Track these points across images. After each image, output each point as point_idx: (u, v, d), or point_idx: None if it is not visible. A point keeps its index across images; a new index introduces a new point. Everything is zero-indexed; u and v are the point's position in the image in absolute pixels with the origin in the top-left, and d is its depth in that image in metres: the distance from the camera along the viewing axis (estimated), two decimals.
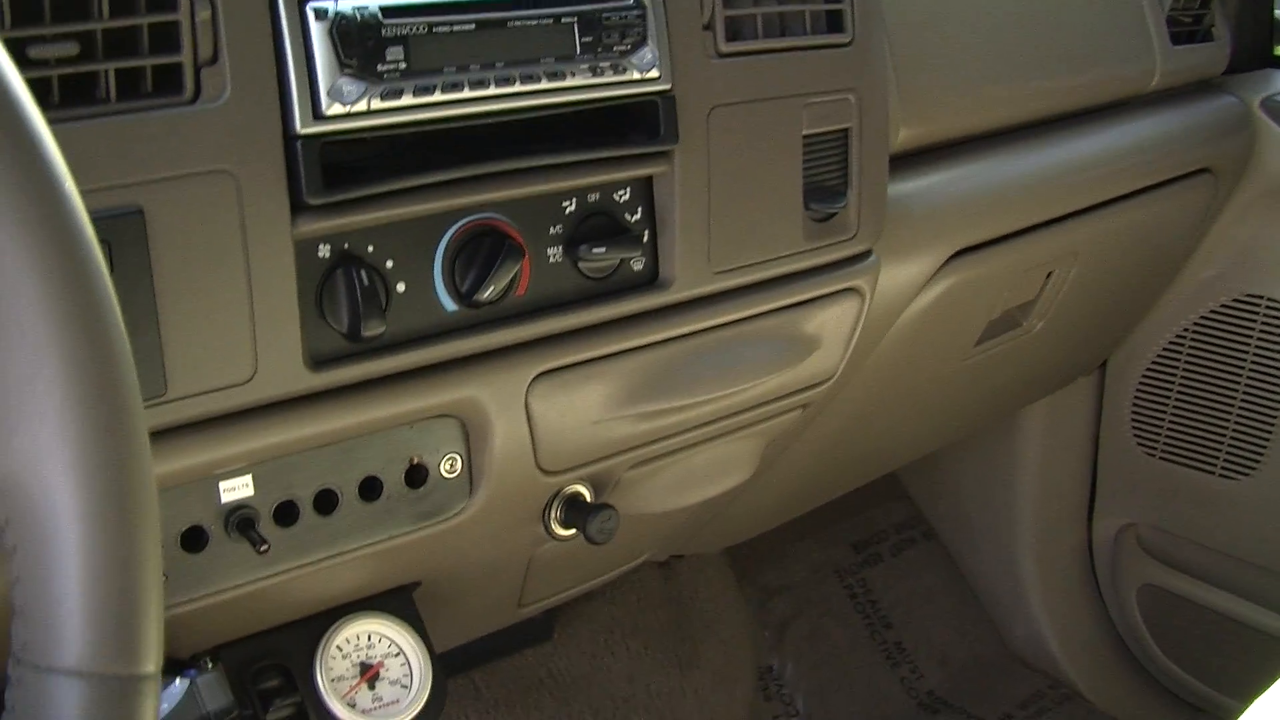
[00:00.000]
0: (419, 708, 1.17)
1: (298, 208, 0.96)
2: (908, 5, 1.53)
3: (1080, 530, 2.50)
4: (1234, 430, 2.21)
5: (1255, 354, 2.16)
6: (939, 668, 2.44)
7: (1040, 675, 2.48)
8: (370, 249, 1.02)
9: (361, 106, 0.95)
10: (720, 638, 2.13)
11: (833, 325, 1.36)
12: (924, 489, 2.59)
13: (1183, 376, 2.25)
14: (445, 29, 0.99)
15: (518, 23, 1.03)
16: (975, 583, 2.55)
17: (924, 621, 2.49)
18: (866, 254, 1.38)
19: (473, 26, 1.01)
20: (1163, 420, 2.30)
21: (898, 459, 2.17)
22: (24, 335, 0.51)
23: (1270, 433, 2.16)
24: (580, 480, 1.24)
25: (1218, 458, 2.24)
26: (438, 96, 0.99)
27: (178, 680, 1.02)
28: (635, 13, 1.09)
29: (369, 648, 1.18)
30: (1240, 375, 2.19)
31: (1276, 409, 2.15)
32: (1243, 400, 2.19)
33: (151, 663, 0.55)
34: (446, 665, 1.25)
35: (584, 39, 1.07)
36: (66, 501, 0.52)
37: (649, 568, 2.08)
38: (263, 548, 1.01)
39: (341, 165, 0.98)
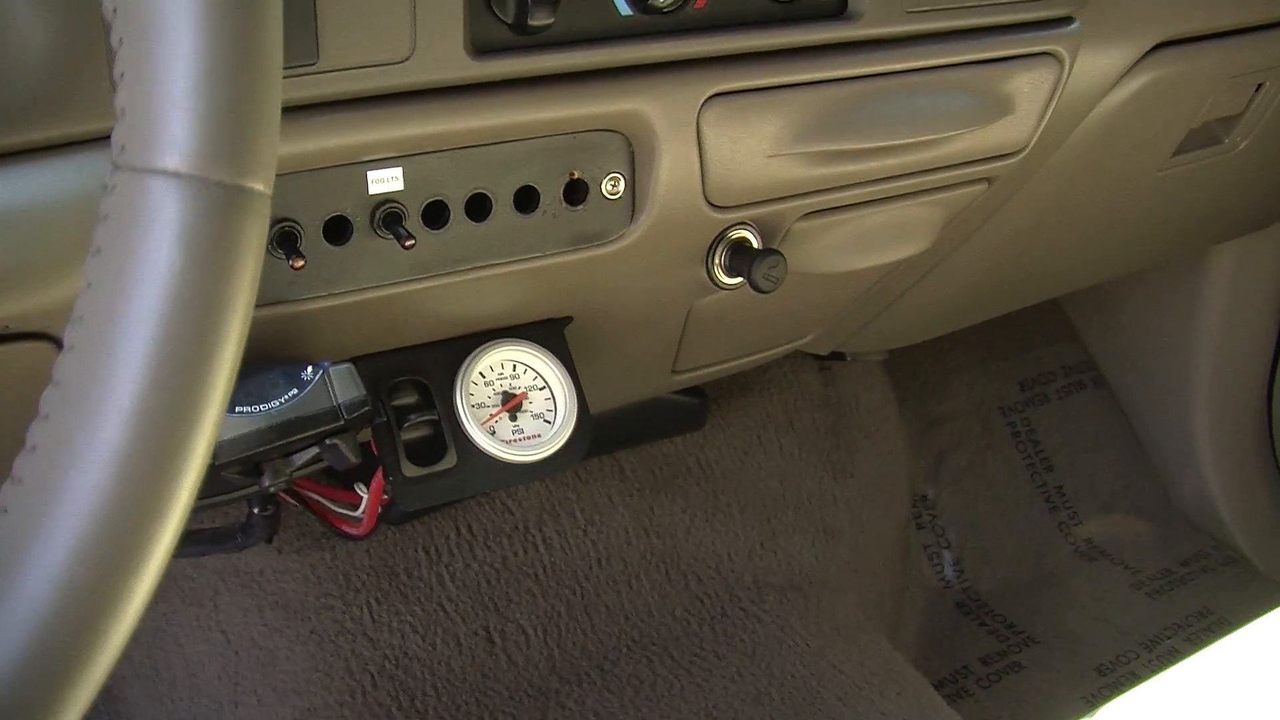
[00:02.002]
0: (559, 445, 1.12)
1: None
2: None
3: (1260, 390, 2.40)
4: None
5: None
6: (1099, 516, 2.37)
7: (1204, 535, 2.39)
8: None
9: None
10: (878, 451, 2.06)
11: (1028, 90, 1.27)
12: (1098, 332, 2.50)
13: None
14: None
15: None
16: (1144, 434, 2.47)
17: (1087, 468, 2.41)
18: (1069, 20, 1.29)
19: None
20: None
21: (1077, 278, 2.08)
22: None
23: None
24: (748, 224, 1.17)
25: None
26: None
27: (309, 368, 0.98)
28: None
29: (513, 377, 1.13)
30: None
31: None
32: None
33: (262, 180, 0.50)
34: (594, 442, 1.20)
35: None
36: None
37: (808, 366, 2.02)
38: (409, 242, 0.96)
39: None
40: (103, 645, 0.49)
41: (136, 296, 0.47)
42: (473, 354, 1.11)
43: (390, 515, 1.56)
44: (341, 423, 0.97)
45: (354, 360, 1.07)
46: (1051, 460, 2.38)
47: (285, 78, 0.87)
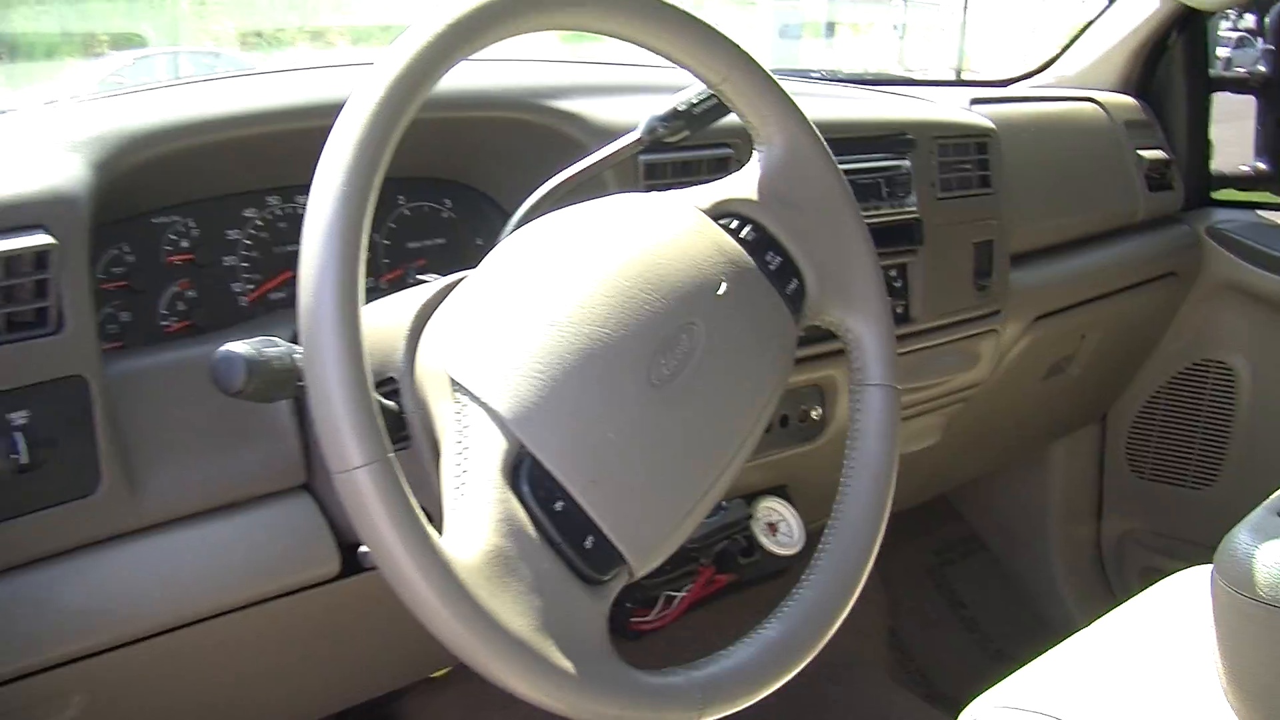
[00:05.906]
0: (797, 549, 2.12)
1: None
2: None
3: (1092, 535, 3.45)
4: (1198, 455, 3.19)
5: (1210, 399, 3.16)
6: (1000, 633, 3.37)
7: None
8: None
9: None
10: (864, 597, 3.09)
11: (985, 349, 2.37)
12: (975, 511, 3.53)
13: (1162, 418, 3.24)
14: None
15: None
16: (1016, 577, 3.48)
17: (986, 603, 3.38)
18: (999, 311, 2.40)
19: None
20: (1148, 450, 3.29)
21: (974, 471, 3.17)
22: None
23: (1223, 455, 3.15)
24: None
25: (1188, 475, 3.22)
26: None
27: (723, 502, 1.95)
28: (905, 175, 2.13)
29: (768, 515, 2.14)
30: (1200, 415, 3.18)
31: (1226, 437, 3.15)
32: (1203, 433, 3.18)
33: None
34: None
35: (885, 189, 2.10)
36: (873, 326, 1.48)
37: None
38: None
39: None
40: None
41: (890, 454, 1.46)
42: (754, 503, 2.12)
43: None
44: (741, 527, 1.98)
45: None
46: (963, 600, 3.37)
47: None
